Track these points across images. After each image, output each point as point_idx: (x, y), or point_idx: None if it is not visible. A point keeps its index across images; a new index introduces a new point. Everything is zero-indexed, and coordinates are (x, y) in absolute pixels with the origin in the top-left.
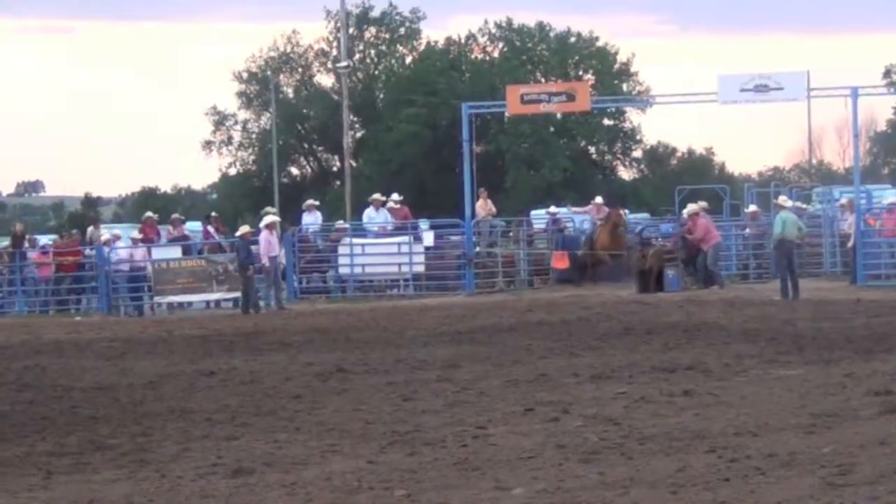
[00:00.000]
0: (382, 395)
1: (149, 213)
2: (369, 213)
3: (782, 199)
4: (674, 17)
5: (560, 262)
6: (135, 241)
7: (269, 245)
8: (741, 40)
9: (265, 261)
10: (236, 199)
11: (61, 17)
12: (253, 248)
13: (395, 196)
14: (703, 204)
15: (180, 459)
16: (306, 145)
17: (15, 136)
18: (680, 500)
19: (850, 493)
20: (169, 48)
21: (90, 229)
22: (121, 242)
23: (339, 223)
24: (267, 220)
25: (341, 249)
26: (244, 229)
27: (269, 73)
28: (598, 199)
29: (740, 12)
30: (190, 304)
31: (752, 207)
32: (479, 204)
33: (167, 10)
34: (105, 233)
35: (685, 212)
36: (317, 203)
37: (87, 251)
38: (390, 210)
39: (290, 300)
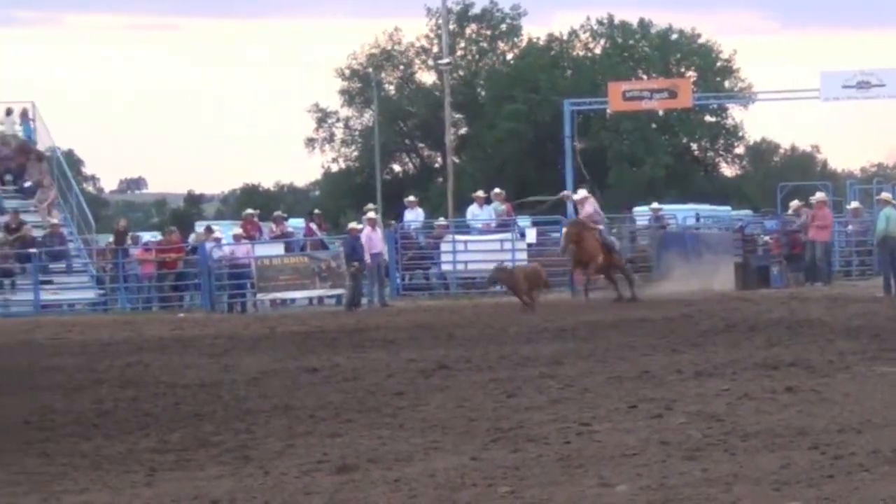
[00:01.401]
0: (486, 392)
1: (249, 210)
2: (473, 210)
3: (885, 196)
4: (777, 13)
5: None
6: (237, 238)
7: (370, 242)
8: (844, 37)
9: (367, 257)
10: (338, 197)
11: (166, 15)
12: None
13: (496, 190)
14: (823, 195)
15: (284, 456)
16: (408, 142)
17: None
18: (783, 496)
19: None
20: (272, 45)
21: (198, 231)
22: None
23: (441, 220)
24: (369, 216)
25: (443, 246)
26: (352, 225)
27: (371, 70)
28: (582, 192)
29: (844, 9)
30: (292, 300)
31: (855, 204)
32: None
33: (270, 8)
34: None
35: (814, 198)
36: (418, 200)
37: (190, 248)
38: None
39: (392, 297)
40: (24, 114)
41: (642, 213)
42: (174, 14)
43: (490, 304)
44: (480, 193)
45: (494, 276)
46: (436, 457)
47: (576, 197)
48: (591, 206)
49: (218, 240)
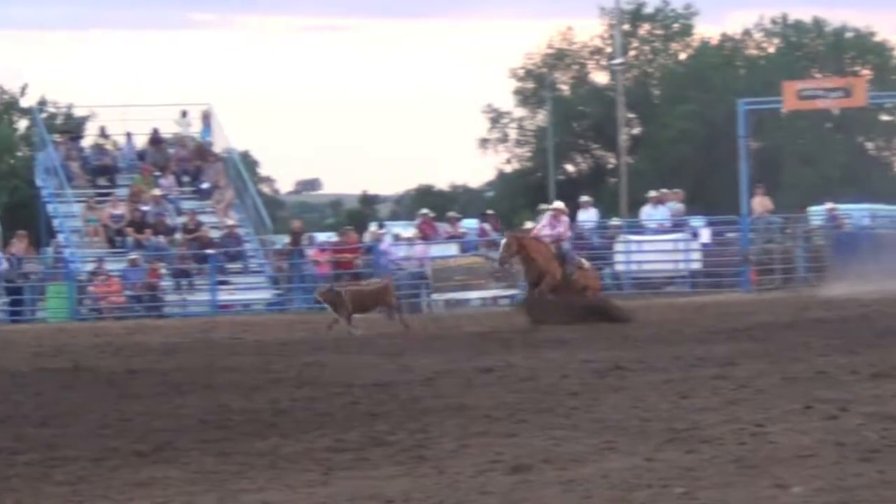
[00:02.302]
0: (660, 393)
1: (425, 211)
2: (647, 210)
3: None
4: None
5: None
6: (412, 239)
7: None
8: None
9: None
10: (512, 197)
11: (340, 16)
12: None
13: (669, 190)
14: None
15: (459, 456)
16: (581, 142)
17: (293, 135)
18: None
19: None
20: (445, 46)
21: (371, 227)
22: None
23: (614, 220)
24: (556, 204)
25: (617, 246)
26: (529, 225)
27: (544, 70)
28: (558, 204)
29: None
30: (467, 301)
31: None
32: (756, 200)
33: (444, 8)
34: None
35: None
36: (592, 200)
37: (365, 248)
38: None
39: None
40: (201, 116)
41: (817, 213)
42: (349, 15)
43: (664, 304)
44: (654, 193)
45: (320, 297)
46: (610, 457)
47: (555, 204)
48: (560, 223)
49: (397, 236)
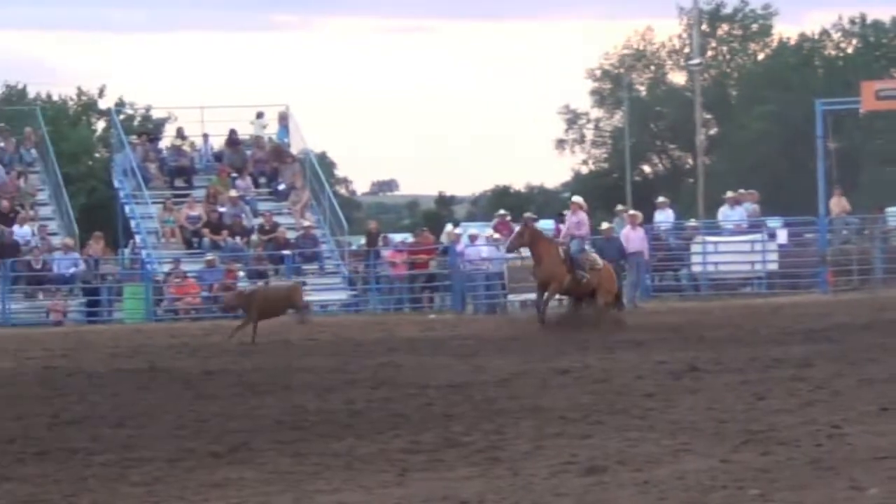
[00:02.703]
0: (736, 394)
1: (502, 211)
2: (724, 211)
3: None
4: None
5: None
6: (491, 238)
7: (629, 241)
8: None
9: (643, 255)
10: (589, 198)
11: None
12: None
13: (740, 191)
14: None
15: (533, 457)
16: (658, 143)
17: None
18: None
19: None
20: (524, 46)
21: (447, 228)
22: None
23: (691, 221)
24: (630, 212)
25: (694, 247)
26: (604, 225)
27: (622, 70)
28: (577, 199)
29: None
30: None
31: None
32: (834, 201)
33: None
34: (459, 231)
35: None
36: (668, 201)
37: (441, 249)
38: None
39: (642, 298)
40: (279, 117)
41: (895, 214)
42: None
43: (740, 305)
44: (731, 194)
45: (229, 303)
46: (685, 459)
47: (574, 199)
48: (577, 218)
49: (474, 237)
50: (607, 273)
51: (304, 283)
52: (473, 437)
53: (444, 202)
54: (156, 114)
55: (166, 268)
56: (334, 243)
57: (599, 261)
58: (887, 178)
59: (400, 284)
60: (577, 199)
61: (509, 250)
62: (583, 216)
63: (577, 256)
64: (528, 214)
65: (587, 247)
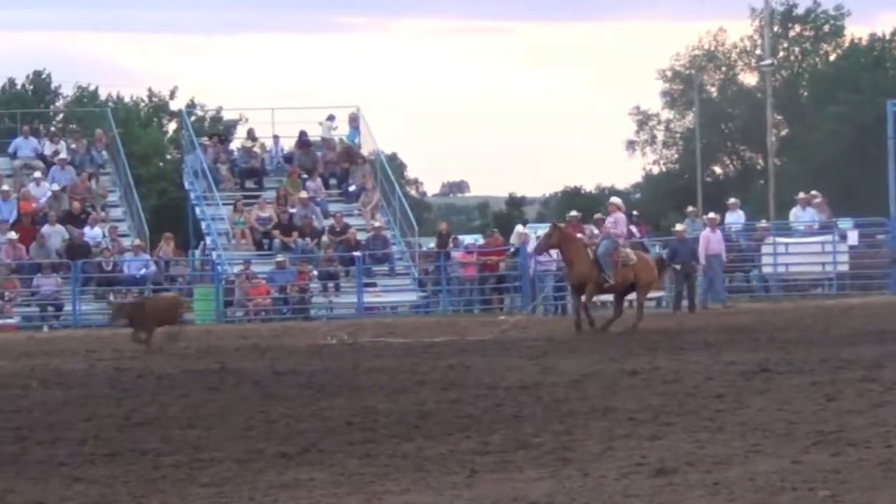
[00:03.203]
0: (806, 395)
1: (573, 213)
2: (796, 212)
3: None
4: None
5: None
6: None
7: (709, 243)
8: None
9: (702, 259)
10: (659, 199)
11: (489, 19)
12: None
13: (812, 192)
14: None
15: (603, 458)
16: (729, 144)
17: (441, 137)
18: None
19: None
20: (596, 47)
21: (518, 228)
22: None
23: (762, 222)
24: (710, 216)
25: (764, 248)
26: (679, 227)
27: (693, 71)
28: (615, 200)
29: None
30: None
31: None
32: None
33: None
34: (528, 232)
35: None
36: (739, 202)
37: (512, 251)
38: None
39: (719, 300)
40: (349, 118)
41: None
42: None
43: (811, 306)
44: (803, 195)
45: (115, 313)
46: (755, 460)
47: (612, 200)
48: (613, 218)
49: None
50: (644, 266)
51: (374, 285)
52: (543, 438)
53: (515, 203)
54: (226, 115)
55: (237, 269)
56: (404, 245)
57: (633, 255)
58: None
59: (470, 286)
60: (614, 199)
61: (538, 252)
62: (619, 216)
63: (603, 258)
64: (598, 216)
65: (621, 244)
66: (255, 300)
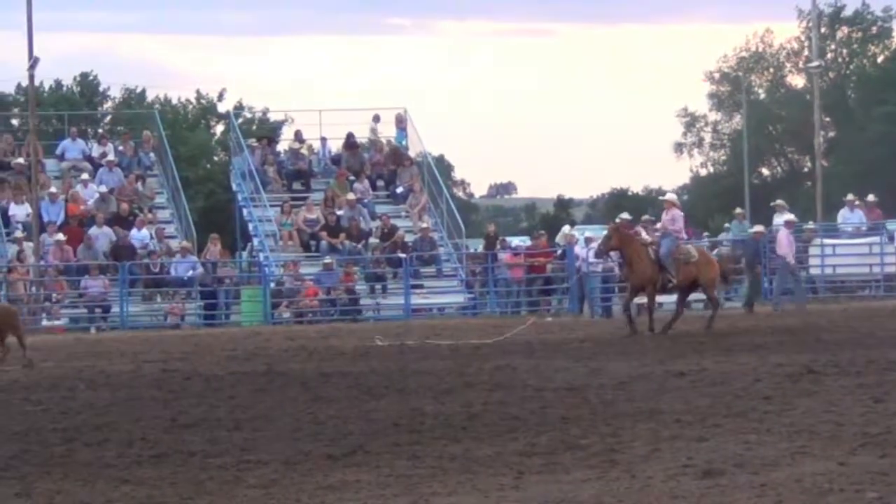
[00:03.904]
0: (853, 397)
1: (624, 215)
2: (844, 214)
3: None
4: None
5: None
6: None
7: (789, 243)
8: None
9: (790, 259)
10: (707, 200)
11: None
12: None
13: (870, 197)
14: None
15: (650, 460)
16: (777, 146)
17: (488, 139)
18: None
19: None
20: (643, 50)
21: (564, 229)
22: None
23: (809, 224)
24: (786, 217)
25: (812, 250)
26: (757, 228)
27: (740, 73)
28: (670, 196)
29: None
30: (660, 304)
31: None
32: None
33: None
34: (575, 233)
35: None
36: (786, 204)
37: (560, 252)
38: (863, 209)
39: (761, 301)
40: (396, 120)
41: None
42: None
43: (858, 308)
44: (851, 197)
45: None
46: (803, 462)
47: (663, 198)
48: (670, 215)
49: (590, 240)
50: (706, 262)
51: (422, 286)
52: (590, 439)
53: (563, 205)
54: (273, 117)
55: (284, 271)
56: (452, 246)
57: (694, 252)
58: None
59: (517, 287)
60: (670, 196)
61: (598, 255)
62: (676, 213)
63: (665, 258)
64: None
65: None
66: (303, 301)
